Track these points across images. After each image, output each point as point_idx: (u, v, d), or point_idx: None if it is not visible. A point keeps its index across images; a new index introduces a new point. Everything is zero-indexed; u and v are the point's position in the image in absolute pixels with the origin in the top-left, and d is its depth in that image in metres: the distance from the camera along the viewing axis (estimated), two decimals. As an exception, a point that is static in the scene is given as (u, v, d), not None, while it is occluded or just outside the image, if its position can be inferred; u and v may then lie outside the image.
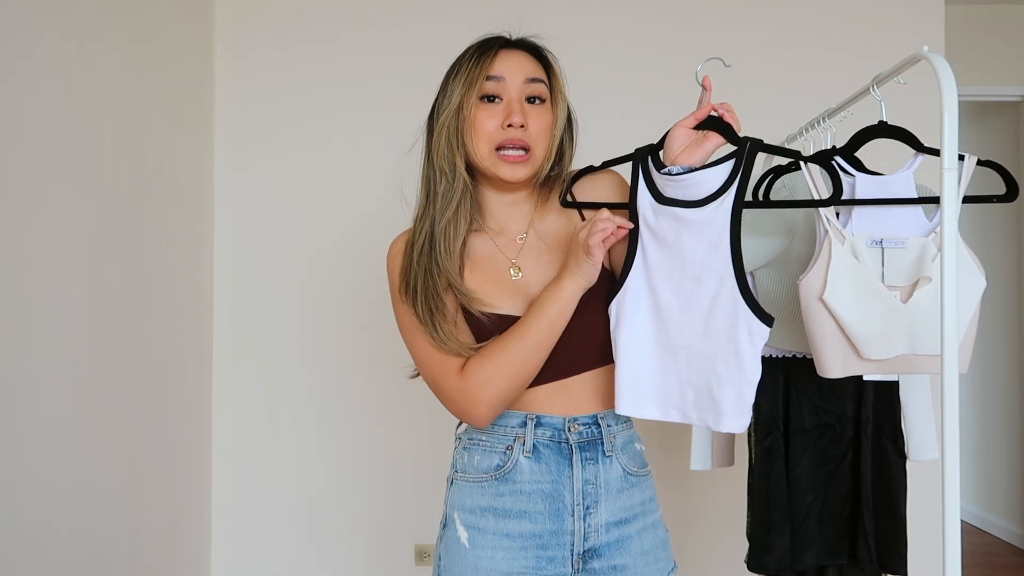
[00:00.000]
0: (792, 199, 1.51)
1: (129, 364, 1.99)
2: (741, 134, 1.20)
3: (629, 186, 1.28)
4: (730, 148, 1.20)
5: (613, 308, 1.25)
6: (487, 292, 1.26)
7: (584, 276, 1.20)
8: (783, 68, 2.54)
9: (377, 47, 2.54)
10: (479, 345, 1.24)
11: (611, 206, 1.29)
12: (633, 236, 1.25)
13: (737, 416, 1.19)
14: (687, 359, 1.21)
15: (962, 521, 4.12)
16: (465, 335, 1.26)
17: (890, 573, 1.62)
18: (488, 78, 1.23)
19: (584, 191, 1.33)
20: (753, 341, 1.17)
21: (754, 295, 1.18)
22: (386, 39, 2.54)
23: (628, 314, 1.24)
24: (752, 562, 1.65)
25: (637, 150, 1.26)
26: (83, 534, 1.77)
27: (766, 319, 1.17)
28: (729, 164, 1.17)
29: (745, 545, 1.69)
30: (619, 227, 1.20)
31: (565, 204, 1.31)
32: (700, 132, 1.22)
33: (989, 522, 4.18)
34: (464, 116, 1.23)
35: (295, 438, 2.53)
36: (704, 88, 1.25)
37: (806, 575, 1.64)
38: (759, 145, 1.18)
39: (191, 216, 2.38)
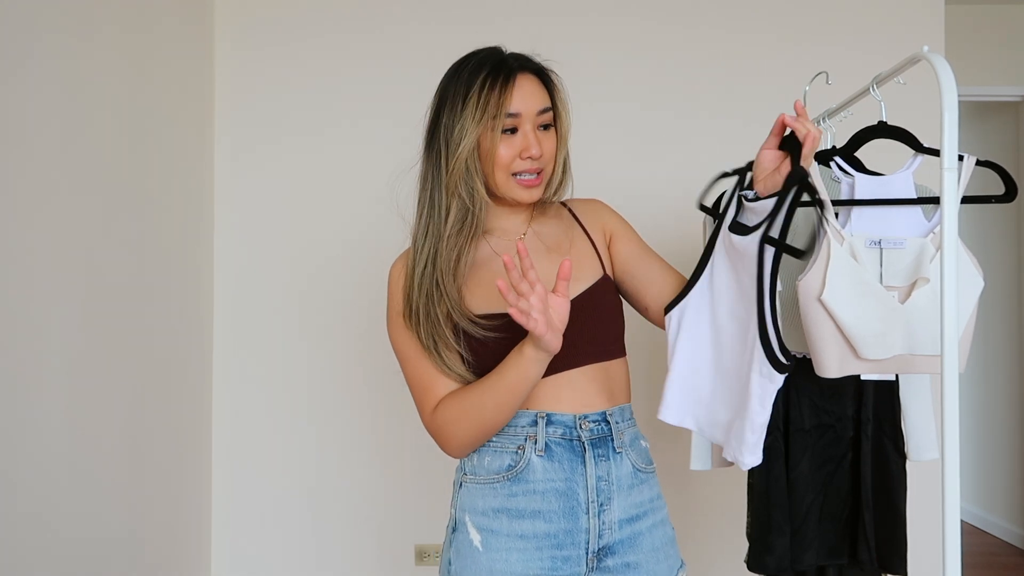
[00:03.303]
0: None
1: (128, 361, 1.99)
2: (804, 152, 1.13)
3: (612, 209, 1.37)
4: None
5: (674, 316, 1.26)
6: (482, 295, 1.28)
7: (543, 346, 1.16)
8: (783, 69, 2.54)
9: (380, 42, 2.54)
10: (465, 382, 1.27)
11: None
12: (708, 250, 1.24)
13: (736, 450, 1.19)
14: (732, 382, 1.21)
15: (962, 521, 4.13)
16: (460, 364, 1.27)
17: (890, 573, 1.62)
18: (509, 115, 1.25)
19: (587, 218, 1.38)
20: (763, 383, 1.15)
21: (771, 340, 1.14)
22: (389, 33, 2.54)
23: (690, 325, 1.24)
24: (752, 562, 1.65)
25: (748, 163, 1.23)
26: (83, 532, 1.77)
27: (780, 367, 1.13)
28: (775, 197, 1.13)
29: (745, 545, 1.69)
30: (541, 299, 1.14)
31: (706, 211, 1.35)
32: (784, 154, 1.17)
33: (989, 522, 4.18)
34: (486, 148, 1.25)
35: (295, 438, 2.53)
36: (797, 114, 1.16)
37: (806, 575, 1.65)
38: (797, 175, 1.10)
39: (191, 212, 2.38)
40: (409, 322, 1.29)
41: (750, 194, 1.17)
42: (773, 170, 1.16)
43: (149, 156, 2.12)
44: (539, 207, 1.38)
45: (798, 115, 1.13)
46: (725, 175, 1.36)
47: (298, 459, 2.53)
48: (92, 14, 1.83)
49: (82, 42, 1.79)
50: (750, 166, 1.22)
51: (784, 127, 1.14)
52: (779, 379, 1.15)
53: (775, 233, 1.11)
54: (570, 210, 1.40)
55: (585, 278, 1.31)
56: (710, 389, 1.24)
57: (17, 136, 1.55)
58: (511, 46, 1.33)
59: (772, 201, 1.13)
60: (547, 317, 1.14)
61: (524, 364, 1.19)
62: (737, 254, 1.20)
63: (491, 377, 1.23)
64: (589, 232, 1.37)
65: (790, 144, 1.13)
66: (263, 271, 2.53)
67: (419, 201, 1.31)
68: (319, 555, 2.52)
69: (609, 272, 1.36)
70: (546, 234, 1.35)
